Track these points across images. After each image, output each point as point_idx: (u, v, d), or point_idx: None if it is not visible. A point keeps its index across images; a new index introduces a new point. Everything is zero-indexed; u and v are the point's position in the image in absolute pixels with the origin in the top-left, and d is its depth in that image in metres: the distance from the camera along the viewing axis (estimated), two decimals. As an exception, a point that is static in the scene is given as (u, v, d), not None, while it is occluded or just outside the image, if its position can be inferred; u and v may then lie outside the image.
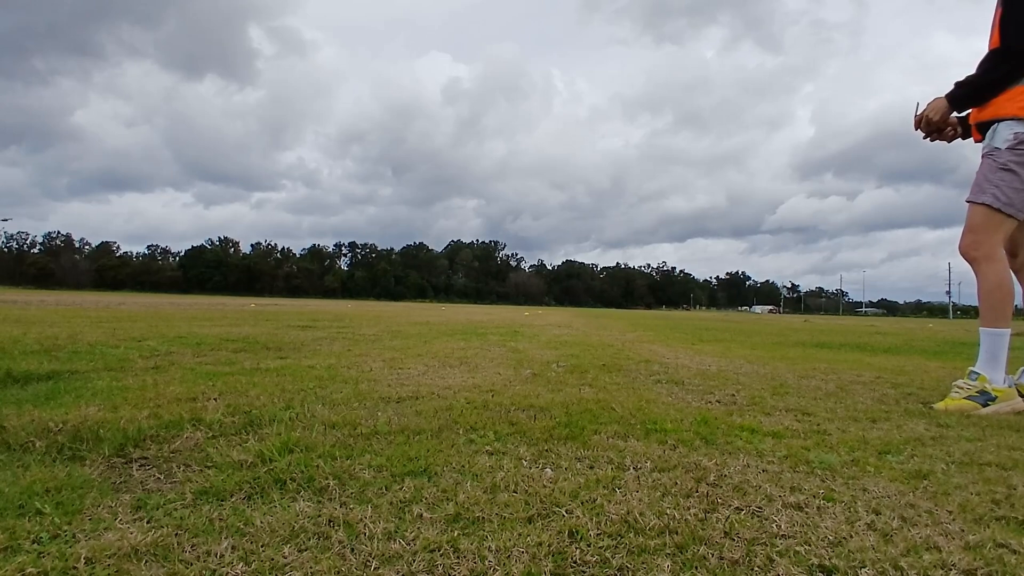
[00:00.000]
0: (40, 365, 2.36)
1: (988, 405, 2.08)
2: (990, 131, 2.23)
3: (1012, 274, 2.25)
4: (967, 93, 2.27)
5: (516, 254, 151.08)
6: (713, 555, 0.82)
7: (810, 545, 0.86)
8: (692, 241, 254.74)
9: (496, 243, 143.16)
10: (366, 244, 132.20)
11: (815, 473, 1.22)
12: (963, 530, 0.93)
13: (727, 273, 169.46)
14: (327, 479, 1.07)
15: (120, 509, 0.92)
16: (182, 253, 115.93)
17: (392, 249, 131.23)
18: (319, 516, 0.91)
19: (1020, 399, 2.11)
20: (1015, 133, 2.13)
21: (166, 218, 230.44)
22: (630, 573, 0.77)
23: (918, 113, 2.40)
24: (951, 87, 2.30)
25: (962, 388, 2.15)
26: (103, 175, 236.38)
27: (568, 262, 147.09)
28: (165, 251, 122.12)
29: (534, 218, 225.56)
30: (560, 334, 6.13)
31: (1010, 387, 2.14)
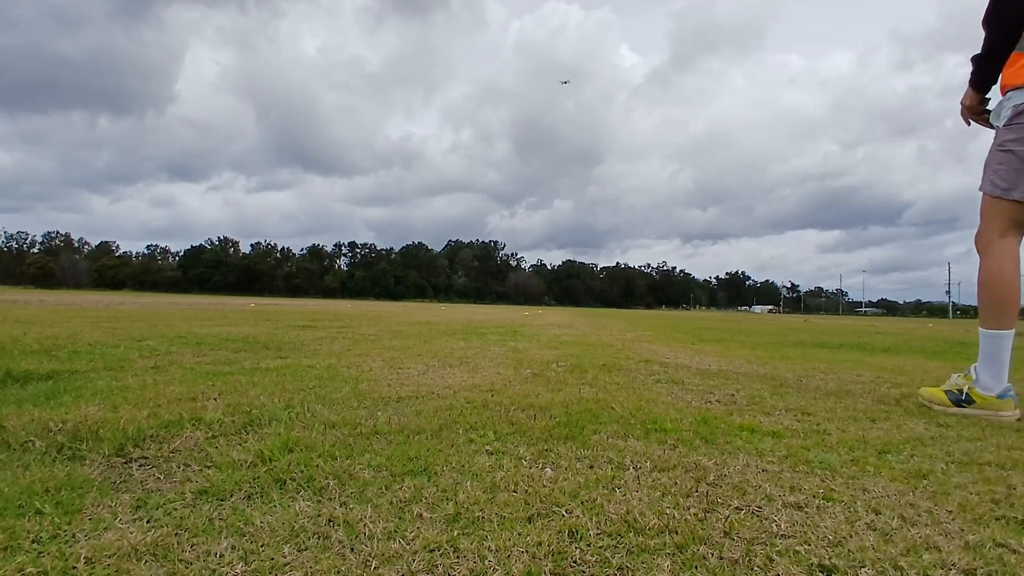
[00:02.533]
0: (40, 365, 2.36)
1: (962, 407, 1.96)
2: (995, 109, 2.07)
3: (1015, 267, 2.01)
4: (974, 70, 2.09)
5: (516, 254, 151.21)
6: (713, 555, 0.82)
7: (810, 545, 0.86)
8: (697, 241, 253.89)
9: (496, 243, 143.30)
10: (365, 244, 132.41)
11: (815, 473, 1.22)
12: (963, 530, 0.93)
13: (727, 273, 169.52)
14: (327, 479, 1.07)
15: (120, 509, 0.92)
16: (182, 253, 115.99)
17: (392, 249, 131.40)
18: (319, 516, 0.91)
19: (1010, 412, 1.92)
20: (1013, 106, 1.97)
21: (163, 217, 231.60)
22: (630, 573, 0.77)
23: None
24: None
25: (950, 381, 2.06)
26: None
27: (568, 262, 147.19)
28: (165, 251, 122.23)
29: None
30: (560, 334, 6.13)
31: (1003, 398, 1.94)
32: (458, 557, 0.80)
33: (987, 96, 2.11)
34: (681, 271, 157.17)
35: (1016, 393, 1.98)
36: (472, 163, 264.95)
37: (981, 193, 2.08)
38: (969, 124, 2.23)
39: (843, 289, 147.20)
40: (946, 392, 2.02)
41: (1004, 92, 2.02)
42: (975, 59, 2.06)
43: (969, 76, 2.12)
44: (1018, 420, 1.89)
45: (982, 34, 2.03)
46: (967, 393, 1.98)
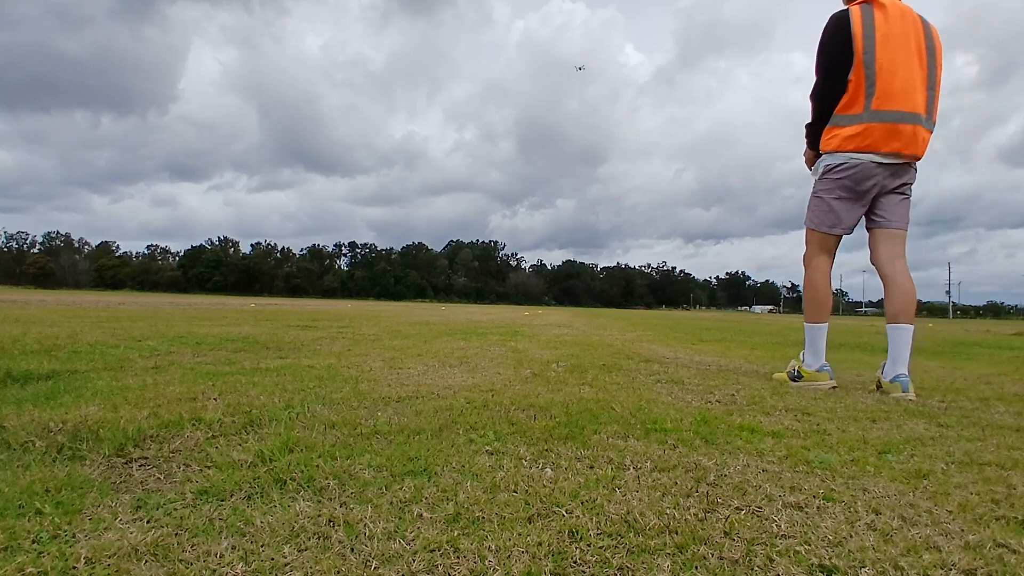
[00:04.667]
0: (40, 365, 2.36)
1: (796, 381, 2.60)
2: (814, 166, 2.71)
3: (825, 279, 2.69)
4: (807, 134, 2.71)
5: (516, 254, 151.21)
6: (713, 555, 0.82)
7: (810, 545, 0.86)
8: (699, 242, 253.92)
9: (496, 243, 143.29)
10: (366, 244, 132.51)
11: (815, 473, 1.22)
12: (963, 530, 0.93)
13: (727, 273, 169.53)
14: (327, 479, 1.07)
15: (120, 509, 0.92)
16: (182, 253, 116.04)
17: (392, 249, 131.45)
18: (319, 516, 0.90)
19: (826, 382, 2.54)
20: (825, 165, 2.60)
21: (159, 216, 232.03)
22: (630, 573, 0.77)
23: None
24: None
25: (789, 364, 2.71)
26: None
27: (568, 262, 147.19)
28: (165, 251, 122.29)
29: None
30: (560, 334, 6.12)
31: (820, 371, 2.58)
32: (458, 557, 0.80)
33: (821, 152, 2.67)
34: (681, 271, 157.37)
35: (831, 368, 2.61)
36: (475, 162, 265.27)
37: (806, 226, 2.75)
38: (812, 170, 2.81)
39: (843, 289, 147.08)
40: (787, 373, 2.70)
41: (820, 154, 2.65)
42: (807, 126, 2.68)
43: (805, 138, 2.74)
44: (833, 388, 2.52)
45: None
46: (797, 370, 2.63)
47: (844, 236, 2.67)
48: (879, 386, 2.50)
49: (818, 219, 2.63)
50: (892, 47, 2.42)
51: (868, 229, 2.66)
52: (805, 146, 2.73)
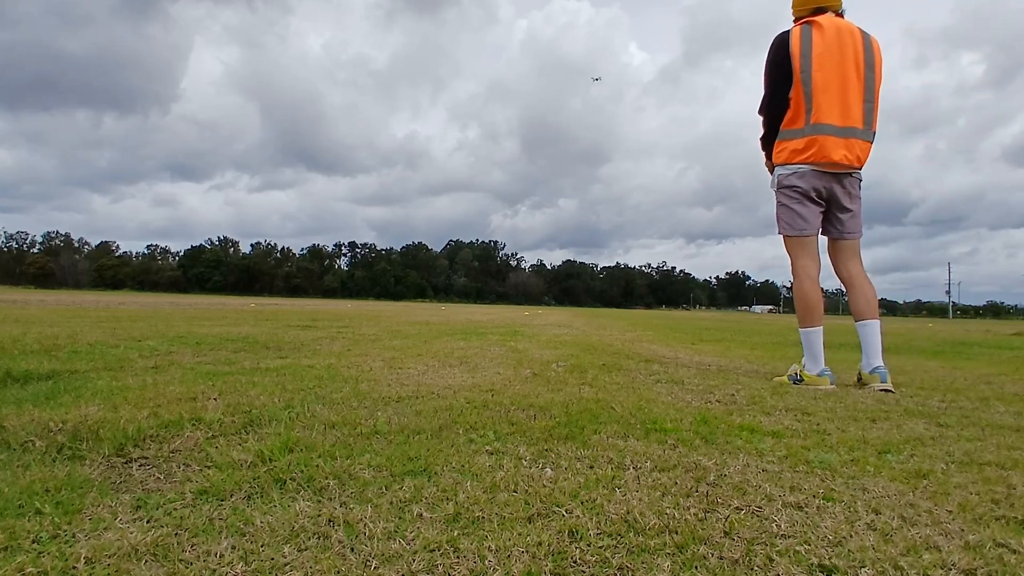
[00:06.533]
0: (40, 365, 2.36)
1: (798, 383, 2.61)
2: (772, 178, 2.88)
3: (813, 284, 2.79)
4: (762, 147, 2.90)
5: (516, 254, 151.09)
6: (713, 555, 0.82)
7: (810, 545, 0.86)
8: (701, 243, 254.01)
9: (496, 243, 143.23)
10: (366, 244, 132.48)
11: (815, 473, 1.22)
12: (963, 530, 0.93)
13: (727, 273, 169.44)
14: (327, 479, 1.07)
15: (120, 509, 0.92)
16: (181, 253, 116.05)
17: (392, 249, 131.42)
18: (319, 516, 0.90)
19: (827, 385, 2.55)
20: (778, 176, 2.79)
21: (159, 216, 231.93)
22: (630, 573, 0.77)
23: None
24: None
25: (791, 368, 2.75)
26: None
27: (568, 262, 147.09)
28: (165, 251, 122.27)
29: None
30: (560, 334, 6.12)
31: (821, 376, 2.60)
32: (458, 557, 0.80)
33: (775, 164, 2.83)
34: (681, 271, 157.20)
35: (831, 371, 2.64)
36: (477, 162, 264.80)
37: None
38: (770, 181, 2.96)
39: (843, 289, 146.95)
40: (788, 376, 2.70)
41: (775, 166, 2.82)
42: (761, 139, 2.88)
43: (762, 151, 2.94)
44: (833, 389, 2.51)
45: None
46: (799, 374, 2.66)
47: (821, 236, 2.84)
48: (860, 379, 2.67)
49: (788, 224, 2.79)
50: (828, 65, 2.60)
51: (825, 237, 2.87)
52: (764, 157, 2.92)
